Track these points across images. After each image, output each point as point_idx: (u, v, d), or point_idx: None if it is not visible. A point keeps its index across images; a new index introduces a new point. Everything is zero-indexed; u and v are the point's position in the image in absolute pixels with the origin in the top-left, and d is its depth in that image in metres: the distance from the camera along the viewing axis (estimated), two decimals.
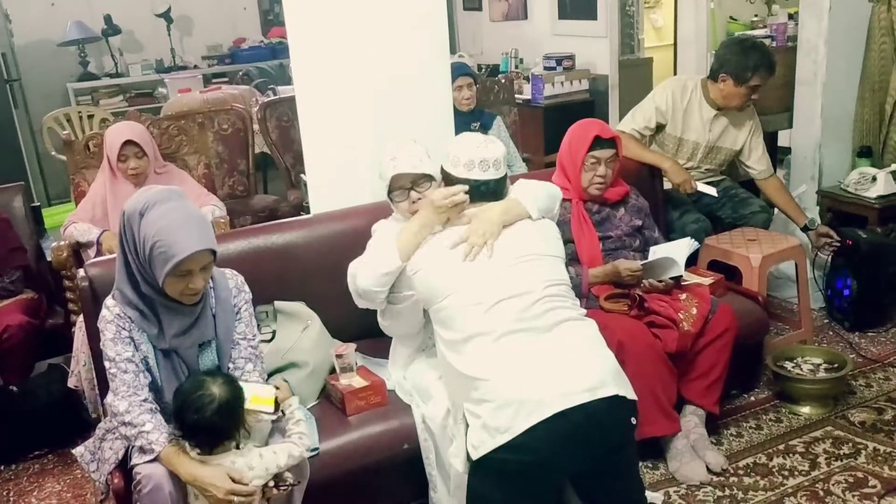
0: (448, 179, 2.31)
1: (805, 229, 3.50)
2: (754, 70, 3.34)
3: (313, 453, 2.17)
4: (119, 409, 1.97)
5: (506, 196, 2.32)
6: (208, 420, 1.92)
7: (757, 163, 3.56)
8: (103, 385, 2.22)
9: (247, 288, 2.23)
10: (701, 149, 3.52)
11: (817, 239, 3.46)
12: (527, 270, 2.14)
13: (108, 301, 2.05)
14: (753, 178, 3.62)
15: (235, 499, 1.90)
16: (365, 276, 2.32)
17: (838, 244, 3.43)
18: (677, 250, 2.75)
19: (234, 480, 1.92)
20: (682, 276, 2.75)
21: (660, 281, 2.72)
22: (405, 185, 2.38)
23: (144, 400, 1.98)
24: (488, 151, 2.28)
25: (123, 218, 2.00)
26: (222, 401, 1.93)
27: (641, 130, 3.48)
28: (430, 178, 2.38)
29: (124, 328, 2.01)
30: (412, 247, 2.25)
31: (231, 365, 2.15)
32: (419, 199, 2.36)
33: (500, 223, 2.22)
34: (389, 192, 2.43)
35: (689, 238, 2.86)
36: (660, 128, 3.51)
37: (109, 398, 2.02)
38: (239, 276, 2.24)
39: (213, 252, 2.01)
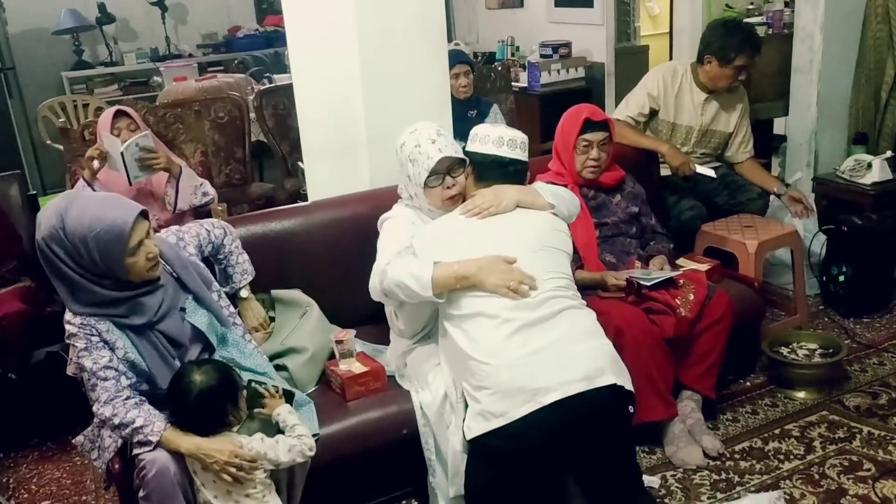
0: (475, 159, 2.33)
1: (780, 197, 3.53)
2: (737, 50, 3.36)
3: (313, 439, 2.18)
4: (105, 414, 1.97)
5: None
6: (191, 405, 1.96)
7: (739, 144, 3.58)
8: None
9: (182, 232, 2.29)
10: (695, 133, 3.54)
11: (791, 203, 3.48)
12: (533, 259, 2.15)
13: (68, 315, 2.02)
14: (730, 160, 3.63)
15: (237, 461, 1.92)
16: (394, 284, 2.18)
17: (812, 211, 3.48)
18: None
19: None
20: (671, 277, 2.73)
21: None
22: (442, 170, 2.32)
23: (127, 398, 1.98)
24: (515, 133, 2.34)
25: (43, 245, 1.94)
26: (203, 386, 1.96)
27: (636, 117, 3.50)
28: (463, 163, 2.37)
29: (93, 334, 1.99)
30: (448, 288, 2.13)
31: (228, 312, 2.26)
32: (453, 185, 2.33)
33: (515, 201, 2.24)
34: (427, 177, 2.30)
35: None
36: (653, 114, 3.53)
37: (95, 408, 2.00)
38: (169, 230, 2.28)
39: (146, 215, 2.02)
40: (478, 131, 2.36)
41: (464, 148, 2.39)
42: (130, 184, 3.09)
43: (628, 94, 3.61)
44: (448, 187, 2.33)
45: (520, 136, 2.33)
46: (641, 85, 3.57)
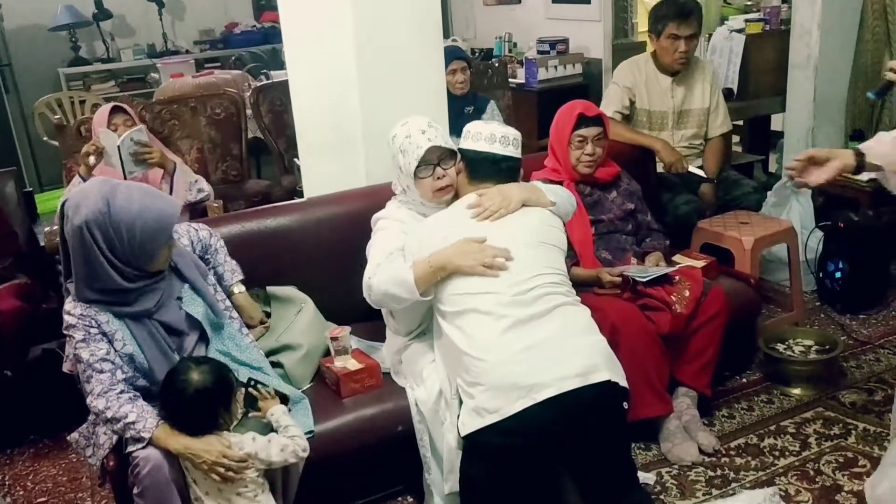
0: (468, 156, 2.33)
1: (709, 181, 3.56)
2: (663, 19, 3.47)
3: (308, 436, 2.18)
4: (98, 407, 1.97)
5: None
6: (184, 403, 1.95)
7: (713, 119, 3.64)
8: None
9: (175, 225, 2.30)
10: (670, 116, 3.60)
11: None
12: (528, 255, 2.15)
13: (68, 305, 2.02)
14: (706, 137, 3.68)
15: (226, 461, 1.92)
16: (384, 293, 2.22)
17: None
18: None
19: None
20: (666, 273, 2.72)
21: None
22: (432, 161, 2.33)
23: (121, 392, 1.98)
24: (508, 129, 2.34)
25: (84, 228, 1.94)
26: (198, 386, 1.95)
27: (621, 110, 3.57)
28: (455, 155, 2.37)
29: (92, 326, 2.00)
30: (428, 283, 2.14)
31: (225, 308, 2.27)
32: (443, 175, 2.34)
33: (520, 200, 2.24)
34: (416, 168, 2.31)
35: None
36: (632, 105, 3.61)
37: (88, 400, 2.00)
38: None
39: None
40: (470, 128, 2.37)
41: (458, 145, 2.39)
42: (125, 178, 3.09)
43: (605, 95, 3.70)
44: (438, 178, 2.33)
45: (512, 133, 2.33)
46: (613, 83, 3.67)
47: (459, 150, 2.36)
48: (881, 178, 2.08)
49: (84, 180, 3.15)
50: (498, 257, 2.10)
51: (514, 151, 2.32)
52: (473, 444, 2.05)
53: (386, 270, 2.22)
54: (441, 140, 2.33)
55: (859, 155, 2.05)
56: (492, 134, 2.30)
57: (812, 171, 2.12)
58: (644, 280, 2.63)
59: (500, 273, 2.08)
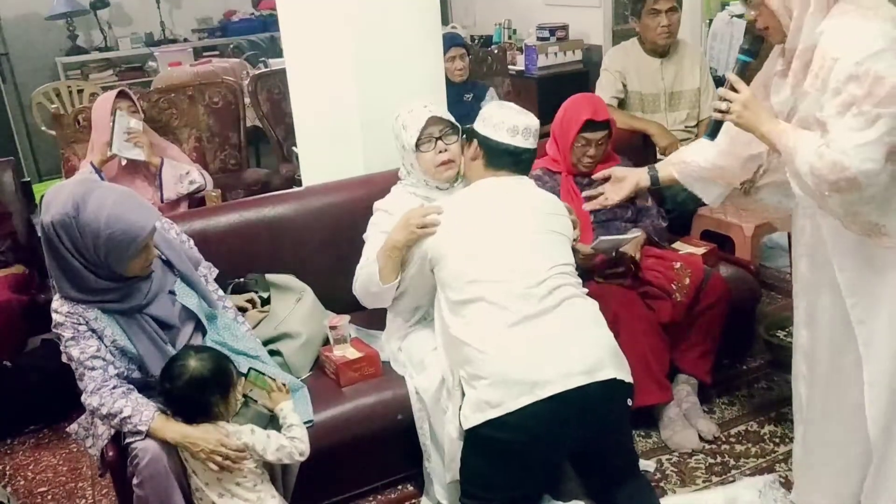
0: (487, 144, 2.28)
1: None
2: None
3: (307, 425, 2.18)
4: (93, 405, 1.96)
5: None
6: (179, 389, 1.95)
7: (705, 99, 3.63)
8: None
9: (163, 219, 2.29)
10: (662, 98, 3.59)
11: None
12: (539, 245, 2.14)
13: (55, 303, 1.99)
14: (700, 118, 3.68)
15: (224, 450, 1.92)
16: (363, 294, 2.38)
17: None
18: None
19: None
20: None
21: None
22: (434, 134, 2.34)
23: (114, 388, 1.97)
24: (530, 119, 2.28)
25: (50, 228, 1.91)
26: (195, 373, 1.94)
27: (617, 95, 3.57)
28: (456, 131, 2.37)
29: (80, 323, 1.97)
30: (391, 267, 2.26)
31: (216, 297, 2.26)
32: (445, 150, 2.35)
33: None
34: (418, 141, 2.33)
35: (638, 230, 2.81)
36: (625, 88, 3.61)
37: (83, 398, 1.99)
38: None
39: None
40: (492, 115, 2.28)
41: (469, 128, 2.36)
42: (110, 147, 3.17)
43: (598, 83, 3.67)
44: (440, 152, 2.34)
45: (533, 125, 2.27)
46: (604, 70, 3.67)
47: (476, 134, 2.31)
48: (687, 186, 2.27)
49: (95, 169, 3.17)
50: (428, 215, 2.18)
51: (533, 143, 2.29)
52: (475, 437, 2.02)
53: (361, 272, 2.33)
54: (441, 111, 2.34)
55: (653, 171, 2.24)
56: (514, 126, 2.24)
57: (611, 189, 2.31)
58: (589, 247, 2.59)
59: (485, 259, 2.11)
